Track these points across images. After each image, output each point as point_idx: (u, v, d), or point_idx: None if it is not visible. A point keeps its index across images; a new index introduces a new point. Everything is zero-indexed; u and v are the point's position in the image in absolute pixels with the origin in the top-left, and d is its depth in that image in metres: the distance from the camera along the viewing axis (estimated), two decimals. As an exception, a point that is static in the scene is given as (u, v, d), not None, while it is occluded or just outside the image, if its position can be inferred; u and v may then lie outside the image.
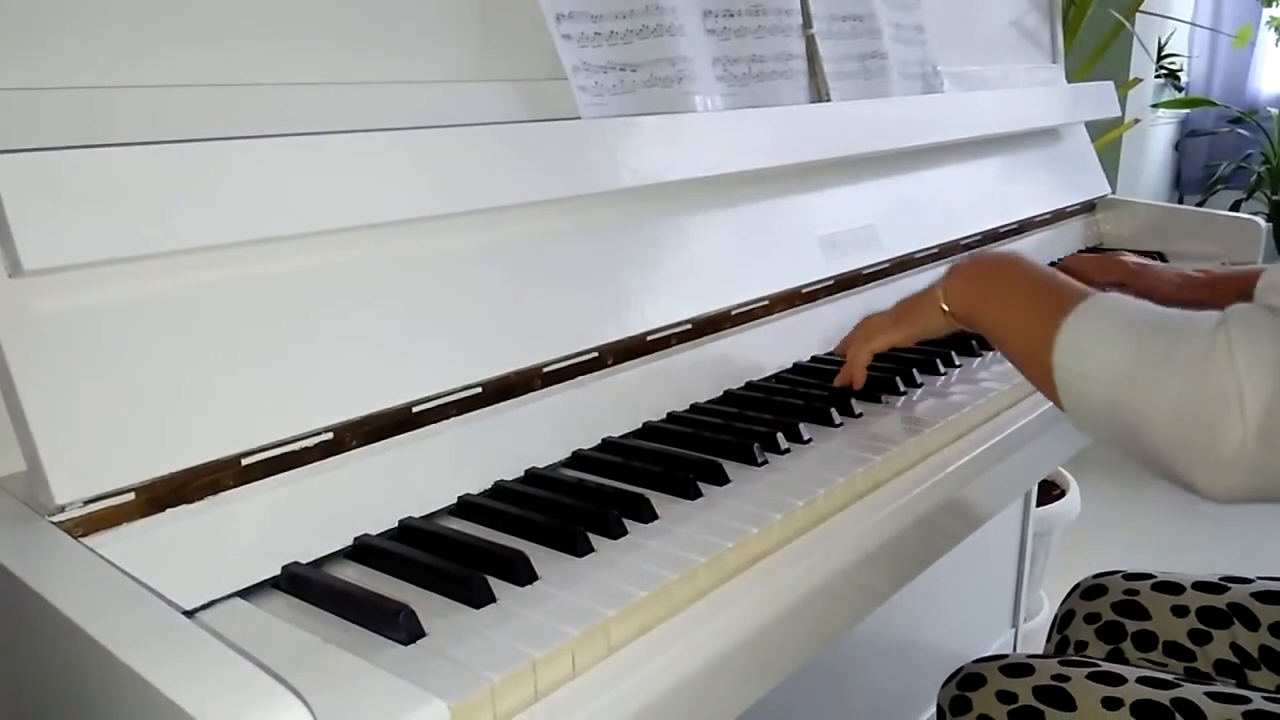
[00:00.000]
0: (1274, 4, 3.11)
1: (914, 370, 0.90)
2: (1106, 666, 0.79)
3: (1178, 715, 0.73)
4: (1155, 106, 3.33)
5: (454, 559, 0.58)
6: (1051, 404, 0.80)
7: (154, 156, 0.55)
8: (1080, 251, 1.49)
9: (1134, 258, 1.13)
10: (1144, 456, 0.62)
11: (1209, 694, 0.74)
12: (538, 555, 0.58)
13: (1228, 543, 2.33)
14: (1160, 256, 1.45)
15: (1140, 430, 0.61)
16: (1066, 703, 0.77)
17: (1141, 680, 0.77)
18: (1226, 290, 1.03)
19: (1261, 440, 0.56)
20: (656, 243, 0.85)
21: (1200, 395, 0.58)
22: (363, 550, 0.61)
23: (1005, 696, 0.79)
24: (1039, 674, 0.80)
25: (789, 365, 0.93)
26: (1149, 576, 0.96)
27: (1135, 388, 0.60)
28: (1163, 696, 0.74)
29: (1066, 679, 0.78)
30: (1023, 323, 0.70)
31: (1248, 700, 0.73)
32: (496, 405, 0.71)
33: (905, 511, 0.70)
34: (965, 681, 0.83)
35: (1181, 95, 3.50)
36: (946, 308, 0.81)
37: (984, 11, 1.46)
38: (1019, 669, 0.81)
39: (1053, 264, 1.27)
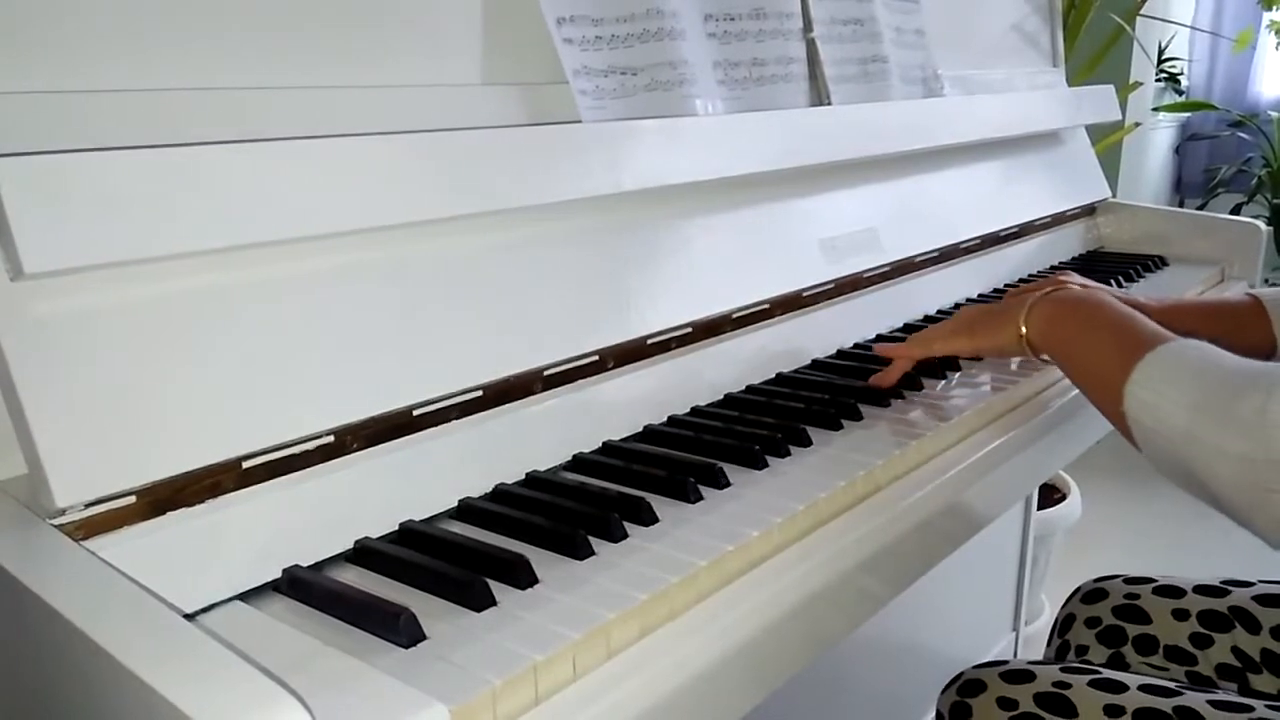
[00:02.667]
0: (1274, 8, 3.11)
1: (918, 374, 0.90)
2: (1108, 673, 0.79)
3: (1179, 722, 0.73)
4: (1156, 110, 3.34)
5: (455, 562, 0.58)
6: (1052, 409, 0.80)
7: (156, 160, 0.55)
8: (1078, 256, 1.49)
9: (1076, 279, 0.99)
10: (1213, 504, 0.64)
11: (1211, 702, 0.74)
12: (538, 558, 0.58)
13: (1229, 546, 2.31)
14: (1161, 261, 1.45)
15: (1207, 484, 0.63)
16: (1068, 710, 0.76)
17: (1143, 688, 0.76)
18: (1217, 321, 0.95)
19: None
20: (657, 246, 0.85)
21: (1258, 461, 0.59)
22: (363, 553, 0.61)
23: (1006, 703, 0.79)
24: (1040, 680, 0.79)
25: (790, 369, 0.93)
26: (1150, 580, 0.96)
27: (1197, 446, 0.62)
28: (1165, 704, 0.74)
29: (1068, 686, 0.78)
30: (1100, 367, 0.71)
31: (1250, 709, 0.73)
32: (497, 408, 0.71)
33: (906, 515, 0.70)
34: (965, 687, 0.83)
35: (1182, 99, 3.50)
36: (1026, 332, 0.79)
37: (984, 16, 1.46)
38: (1020, 675, 0.81)
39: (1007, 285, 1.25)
